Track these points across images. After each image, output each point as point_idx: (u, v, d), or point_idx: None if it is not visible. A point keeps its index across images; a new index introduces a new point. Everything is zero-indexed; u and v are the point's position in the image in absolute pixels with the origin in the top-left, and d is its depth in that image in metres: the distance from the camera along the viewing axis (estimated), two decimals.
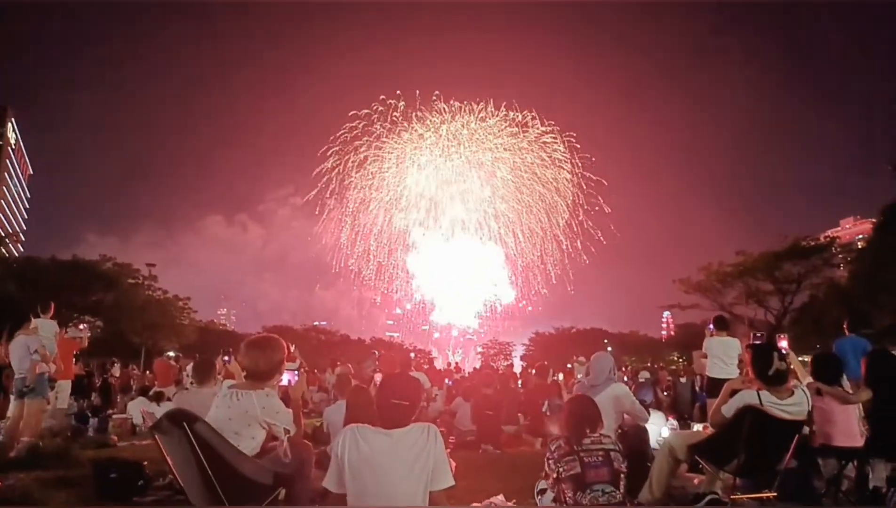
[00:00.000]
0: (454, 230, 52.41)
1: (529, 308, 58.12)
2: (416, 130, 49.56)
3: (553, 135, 49.91)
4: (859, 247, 42.79)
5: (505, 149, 50.30)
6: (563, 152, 49.76)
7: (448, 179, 51.38)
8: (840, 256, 39.56)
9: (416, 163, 50.64)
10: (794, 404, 4.37)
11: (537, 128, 49.86)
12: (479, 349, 58.60)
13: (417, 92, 50.11)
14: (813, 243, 39.15)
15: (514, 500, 4.23)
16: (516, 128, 49.87)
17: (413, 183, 51.12)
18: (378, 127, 48.91)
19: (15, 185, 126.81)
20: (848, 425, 5.15)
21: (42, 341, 8.10)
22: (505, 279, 54.13)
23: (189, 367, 8.60)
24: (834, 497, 4.96)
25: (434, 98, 49.15)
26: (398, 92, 49.47)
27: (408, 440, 2.93)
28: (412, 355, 31.59)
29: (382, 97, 49.30)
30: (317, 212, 50.78)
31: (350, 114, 49.02)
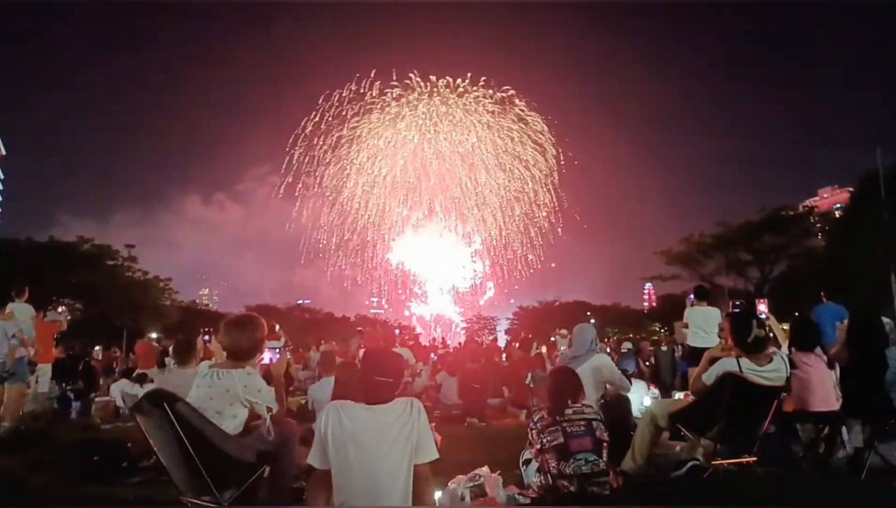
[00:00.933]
0: (432, 210, 52.11)
1: (512, 300, 58.67)
2: (391, 110, 48.92)
3: (531, 115, 49.62)
4: (837, 216, 43.45)
5: (486, 127, 49.91)
6: (541, 130, 49.52)
7: (425, 159, 50.93)
8: (818, 226, 40.18)
9: (392, 143, 50.10)
10: (772, 370, 4.43)
11: (516, 106, 49.51)
12: (463, 324, 58.81)
13: (394, 71, 49.35)
14: (791, 213, 39.68)
15: (499, 471, 4.26)
16: (496, 106, 49.46)
17: (390, 163, 50.63)
18: (353, 107, 48.12)
19: None
20: (825, 391, 5.25)
21: (19, 325, 8.00)
22: (484, 256, 54.15)
23: (171, 348, 8.57)
24: (812, 461, 5.07)
25: (410, 75, 48.48)
26: (373, 71, 48.63)
27: (391, 414, 2.93)
28: (397, 331, 31.64)
29: (357, 75, 48.40)
30: (295, 195, 50.10)
31: (323, 95, 48.11)
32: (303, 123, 47.42)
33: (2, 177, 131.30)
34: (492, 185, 50.87)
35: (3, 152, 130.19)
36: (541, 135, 48.99)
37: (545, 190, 50.00)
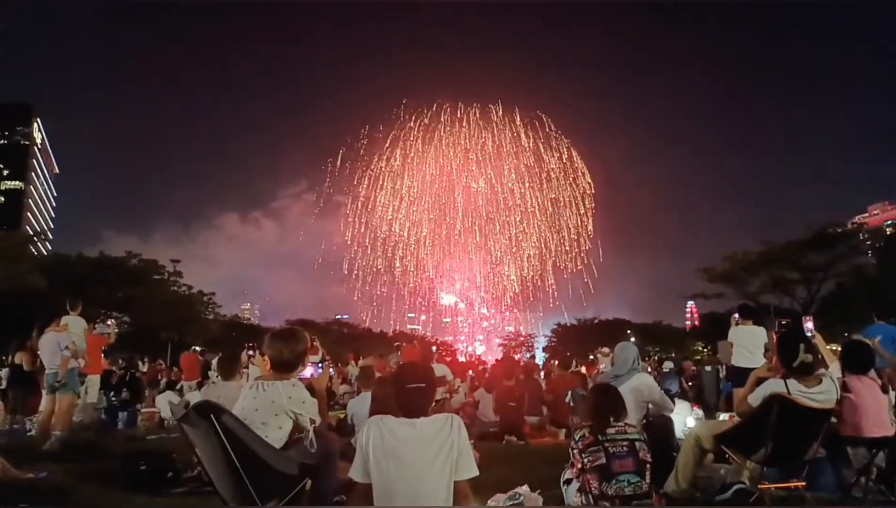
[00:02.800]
0: (473, 231, 52.66)
1: (551, 331, 58.53)
2: (428, 136, 49.86)
3: (559, 134, 50.14)
4: (888, 233, 42.03)
5: (521, 156, 50.47)
6: (577, 154, 49.90)
7: (466, 183, 51.63)
8: (868, 243, 38.90)
9: (431, 171, 50.98)
10: (822, 392, 4.30)
11: (549, 129, 50.03)
12: (499, 341, 58.61)
13: (424, 105, 50.40)
14: (840, 231, 38.51)
15: (539, 490, 4.22)
16: (527, 129, 50.07)
17: (429, 187, 51.45)
18: (388, 132, 49.29)
19: (42, 184, 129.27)
20: (879, 415, 5.04)
21: (72, 337, 8.27)
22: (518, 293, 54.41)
23: (214, 362, 8.74)
24: (864, 488, 4.87)
25: (444, 106, 49.42)
26: (403, 101, 49.97)
27: (431, 429, 2.94)
28: (434, 348, 31.68)
29: (405, 101, 49.70)
30: (329, 213, 51.21)
31: (357, 118, 49.59)
32: (338, 145, 48.65)
33: (55, 195, 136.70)
34: (534, 208, 51.14)
35: (57, 170, 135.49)
36: (577, 158, 49.30)
37: (583, 211, 50.09)
